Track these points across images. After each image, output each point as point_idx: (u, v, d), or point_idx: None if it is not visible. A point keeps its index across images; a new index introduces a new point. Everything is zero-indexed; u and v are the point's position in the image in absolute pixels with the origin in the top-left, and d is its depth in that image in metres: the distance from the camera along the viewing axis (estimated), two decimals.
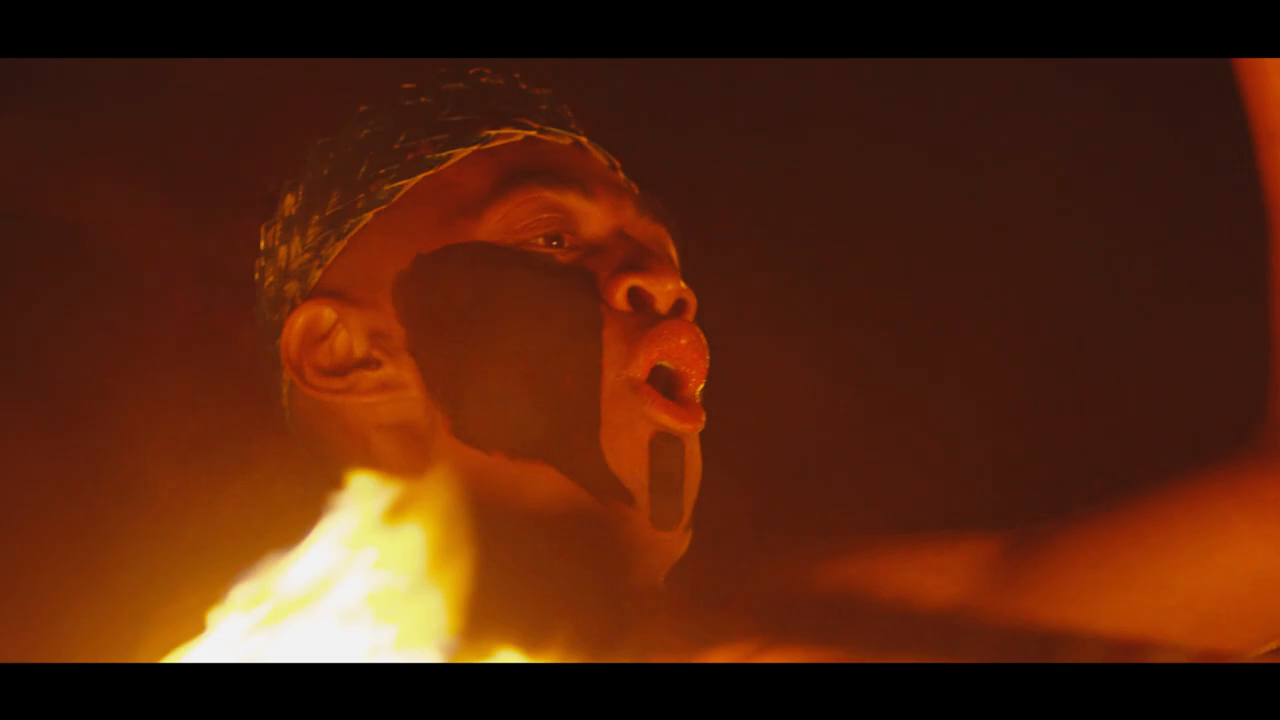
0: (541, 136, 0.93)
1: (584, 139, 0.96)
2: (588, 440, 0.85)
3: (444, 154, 0.91)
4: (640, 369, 0.86)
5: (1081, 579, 0.90)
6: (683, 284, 0.89)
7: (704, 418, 0.89)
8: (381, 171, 0.91)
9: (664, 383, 0.88)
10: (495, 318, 0.87)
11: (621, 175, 0.98)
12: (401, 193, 0.90)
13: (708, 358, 0.89)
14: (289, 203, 0.94)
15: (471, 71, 0.96)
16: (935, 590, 0.93)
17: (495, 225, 0.89)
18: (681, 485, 0.87)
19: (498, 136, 0.92)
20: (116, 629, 0.80)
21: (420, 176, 0.91)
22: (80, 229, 1.10)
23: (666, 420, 0.86)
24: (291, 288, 0.92)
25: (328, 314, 0.90)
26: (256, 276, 0.96)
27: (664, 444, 0.86)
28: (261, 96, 1.11)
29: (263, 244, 0.95)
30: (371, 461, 0.89)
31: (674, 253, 0.95)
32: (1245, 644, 0.91)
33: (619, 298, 0.87)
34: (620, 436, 0.85)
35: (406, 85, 0.96)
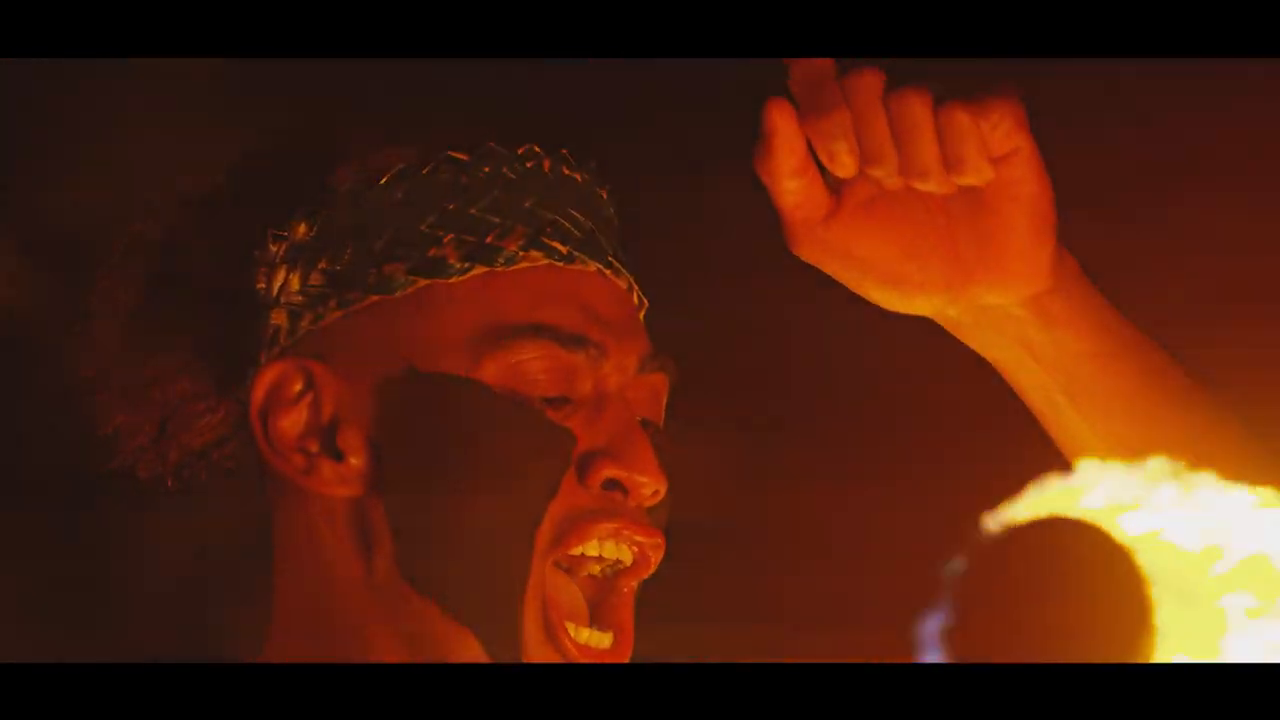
0: (568, 268, 0.88)
1: (611, 264, 0.90)
2: (514, 635, 0.82)
3: (465, 264, 0.86)
4: (561, 556, 0.83)
5: None
6: (662, 479, 0.86)
7: (628, 650, 0.85)
8: (399, 254, 0.87)
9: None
10: (468, 471, 0.84)
11: (637, 298, 0.94)
12: (414, 288, 0.87)
13: (651, 551, 0.86)
14: (301, 230, 0.89)
15: (520, 151, 0.90)
16: None
17: (496, 371, 0.85)
18: None
19: (524, 258, 0.87)
20: None
21: (437, 280, 0.86)
22: None
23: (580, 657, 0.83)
24: (279, 318, 0.89)
25: (303, 383, 0.87)
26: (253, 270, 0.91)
27: None
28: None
29: (270, 248, 0.90)
30: (312, 545, 0.86)
31: (664, 398, 0.92)
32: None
33: (593, 483, 0.84)
34: (543, 647, 0.82)
35: (453, 153, 0.90)
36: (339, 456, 0.85)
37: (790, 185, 0.75)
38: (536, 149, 0.91)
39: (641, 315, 0.94)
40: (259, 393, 0.87)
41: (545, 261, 0.87)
